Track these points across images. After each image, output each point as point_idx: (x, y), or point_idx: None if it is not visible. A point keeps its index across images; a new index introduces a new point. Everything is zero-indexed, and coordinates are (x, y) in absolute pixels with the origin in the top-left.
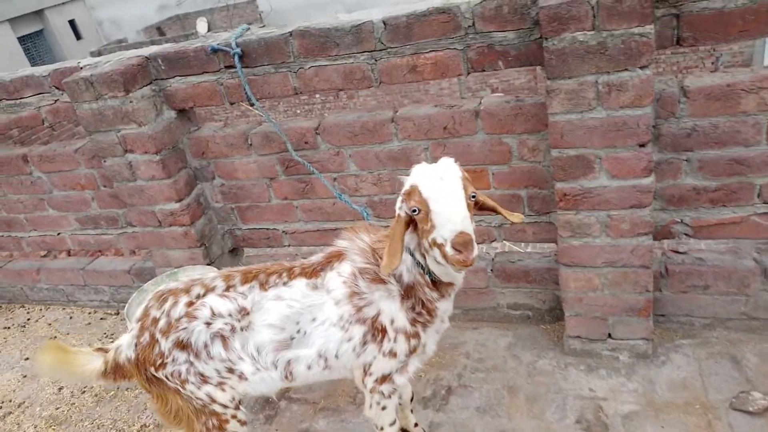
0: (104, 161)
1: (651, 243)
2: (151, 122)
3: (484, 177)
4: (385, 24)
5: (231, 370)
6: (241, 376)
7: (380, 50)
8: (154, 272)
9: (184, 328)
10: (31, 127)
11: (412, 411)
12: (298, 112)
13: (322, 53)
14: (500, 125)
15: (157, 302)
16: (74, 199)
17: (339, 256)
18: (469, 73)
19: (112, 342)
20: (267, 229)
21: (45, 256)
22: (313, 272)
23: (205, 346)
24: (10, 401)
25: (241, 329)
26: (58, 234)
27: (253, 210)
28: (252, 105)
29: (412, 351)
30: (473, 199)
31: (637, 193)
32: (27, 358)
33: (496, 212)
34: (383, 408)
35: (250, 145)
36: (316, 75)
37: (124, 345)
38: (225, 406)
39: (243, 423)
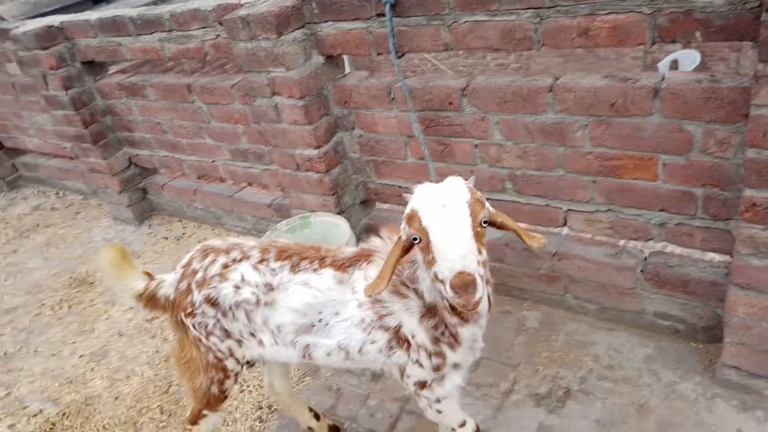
0: (254, 100)
1: None
2: (299, 66)
3: (651, 167)
4: None
5: (252, 334)
6: (261, 343)
7: (548, 7)
8: (290, 211)
9: (215, 287)
10: (195, 59)
11: None
12: (460, 52)
13: (482, 6)
14: (684, 109)
15: (200, 255)
16: (228, 132)
17: (368, 256)
18: (654, 43)
19: None
20: (399, 186)
21: (200, 178)
22: (341, 266)
23: (231, 308)
24: None
25: (265, 304)
26: (213, 161)
27: (388, 165)
28: (400, 56)
29: (436, 368)
30: (485, 226)
31: None
32: None
33: (516, 234)
34: (438, 411)
35: (393, 99)
36: (471, 31)
37: (167, 283)
38: (237, 363)
39: (236, 382)
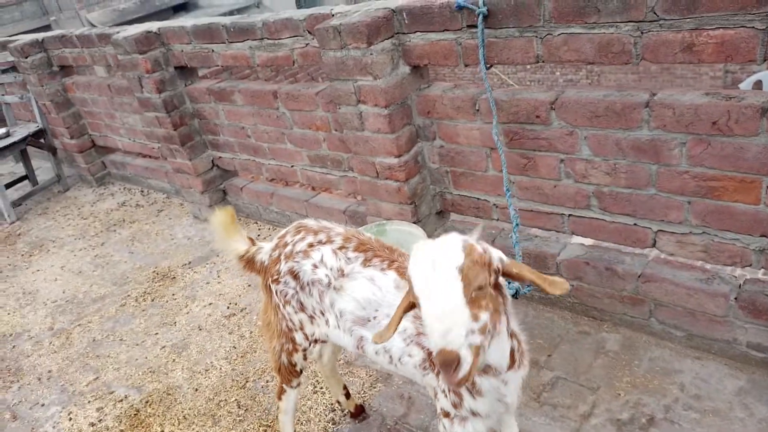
0: (339, 108)
1: None
2: (386, 76)
3: (753, 189)
4: None
5: (322, 313)
6: (327, 323)
7: (650, 21)
8: (365, 218)
9: (298, 262)
10: (282, 66)
11: None
12: (528, 67)
13: (578, 19)
14: None
15: (294, 231)
16: (309, 138)
17: None
18: (765, 60)
19: None
20: (478, 198)
21: (271, 180)
22: (403, 273)
23: (308, 284)
24: (236, 304)
25: (334, 288)
26: (291, 166)
27: (467, 177)
28: (488, 68)
29: (454, 406)
30: (479, 291)
31: None
32: None
33: (534, 283)
34: None
35: (477, 110)
36: (565, 43)
37: (264, 250)
38: (305, 338)
39: (305, 359)
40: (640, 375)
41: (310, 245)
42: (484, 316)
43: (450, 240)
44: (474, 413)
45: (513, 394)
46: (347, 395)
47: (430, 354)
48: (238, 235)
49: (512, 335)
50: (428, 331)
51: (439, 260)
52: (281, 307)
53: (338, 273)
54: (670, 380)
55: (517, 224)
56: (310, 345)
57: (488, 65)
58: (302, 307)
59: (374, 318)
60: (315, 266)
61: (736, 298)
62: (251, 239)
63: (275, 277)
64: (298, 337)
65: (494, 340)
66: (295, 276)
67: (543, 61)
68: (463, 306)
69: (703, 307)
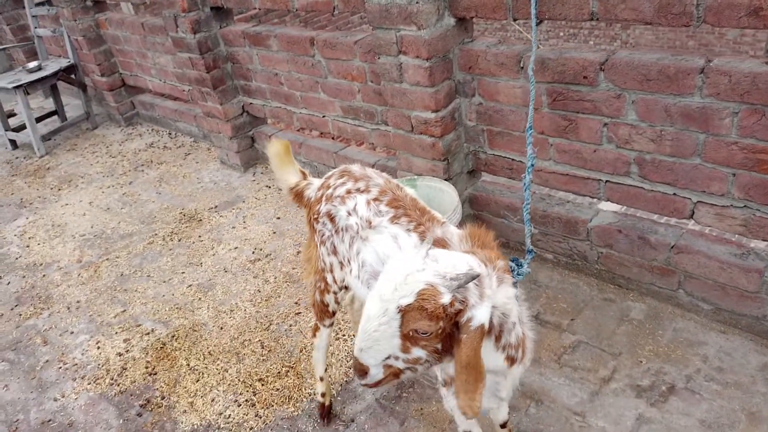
0: (378, 58)
1: None
2: (430, 26)
3: None
4: None
5: (349, 261)
6: (351, 272)
7: None
8: (395, 172)
9: (335, 206)
10: (322, 11)
11: None
12: (561, 34)
13: None
14: None
15: (338, 174)
16: (343, 88)
17: (443, 246)
18: None
19: None
20: (512, 159)
21: (299, 130)
22: (424, 238)
23: (342, 229)
24: (261, 250)
25: (362, 238)
26: (323, 116)
27: (504, 136)
28: (539, 23)
29: (444, 384)
30: (419, 334)
31: None
32: (278, 217)
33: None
34: (452, 409)
35: (521, 68)
36: (623, 1)
37: (313, 186)
38: (335, 281)
39: (337, 302)
40: (663, 344)
41: (348, 192)
42: (419, 352)
43: (423, 274)
44: None
45: (509, 389)
46: None
47: None
48: (292, 167)
49: (504, 347)
50: (358, 331)
51: (394, 287)
52: (318, 246)
53: (366, 223)
54: (693, 351)
55: (532, 164)
56: (340, 290)
57: (538, 21)
58: (335, 251)
59: None
60: (349, 213)
61: None
62: (304, 173)
63: (316, 216)
64: (329, 278)
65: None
66: (332, 219)
67: (597, 19)
68: (393, 337)
69: (734, 281)
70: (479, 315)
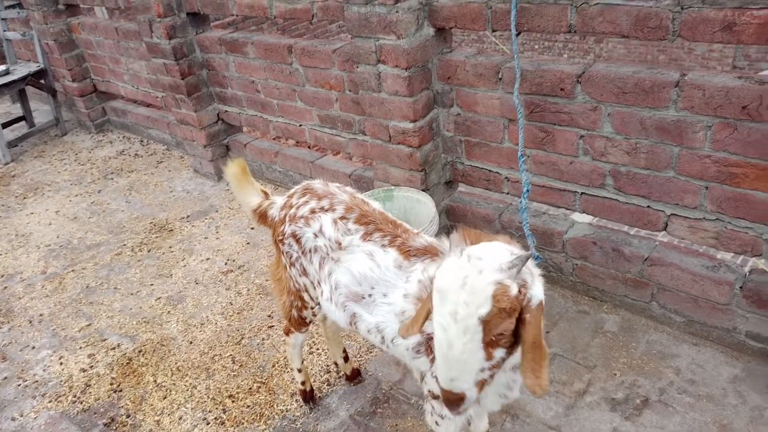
0: (357, 67)
1: None
2: (409, 36)
3: None
4: None
5: (320, 283)
6: (322, 293)
7: None
8: (372, 182)
9: (300, 227)
10: (300, 19)
11: None
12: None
13: None
14: None
15: (300, 192)
16: (321, 97)
17: (434, 255)
18: None
19: None
20: (489, 170)
21: (275, 139)
22: (407, 253)
23: (310, 251)
24: (233, 261)
25: (332, 259)
26: (300, 125)
27: (481, 147)
28: (517, 35)
29: (433, 397)
30: (500, 336)
31: None
32: (252, 228)
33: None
34: (436, 423)
35: (500, 79)
36: (601, 14)
37: (277, 204)
38: (311, 299)
39: (314, 315)
40: (637, 357)
41: (312, 211)
42: (499, 352)
43: (483, 275)
44: (471, 399)
45: (517, 389)
46: (345, 358)
47: (428, 338)
48: (252, 188)
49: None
50: (438, 366)
51: (463, 302)
52: (288, 267)
53: (336, 245)
54: (666, 364)
55: (527, 189)
56: (317, 306)
57: (517, 32)
58: (305, 272)
59: (369, 296)
60: (315, 235)
61: (741, 287)
62: (265, 192)
63: (280, 237)
64: (306, 297)
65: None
66: (298, 240)
67: (575, 31)
68: (478, 350)
69: (706, 294)
70: (536, 292)
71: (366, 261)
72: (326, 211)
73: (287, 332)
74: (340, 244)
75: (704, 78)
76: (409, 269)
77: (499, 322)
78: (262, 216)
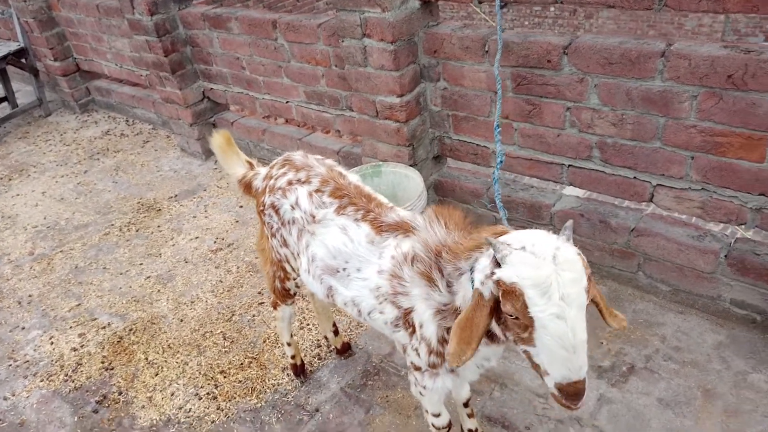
0: (342, 41)
1: None
2: (394, 9)
3: (759, 147)
4: None
5: (299, 254)
6: (301, 266)
7: None
8: (360, 159)
9: (278, 198)
10: None
11: (470, 416)
12: (526, 23)
13: None
14: None
15: (280, 163)
16: (307, 73)
17: (407, 230)
18: None
19: None
20: (477, 144)
21: (265, 117)
22: (379, 228)
23: (289, 222)
24: (223, 239)
25: (308, 231)
26: (287, 102)
27: (469, 121)
28: (503, 6)
29: (431, 366)
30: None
31: None
32: (241, 206)
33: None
34: (420, 393)
35: (486, 52)
36: None
37: (261, 174)
38: (293, 270)
39: (297, 286)
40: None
41: (290, 182)
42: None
43: (569, 255)
44: (452, 371)
45: (495, 360)
46: (336, 332)
47: (406, 313)
48: (237, 158)
49: None
50: (557, 364)
51: (568, 283)
52: (269, 237)
53: (310, 217)
54: (652, 332)
55: (501, 161)
56: (299, 277)
57: (503, 3)
58: (285, 243)
59: (344, 269)
60: (292, 207)
61: (726, 256)
62: (250, 163)
63: (261, 208)
64: (288, 267)
65: None
66: (277, 211)
67: (562, 2)
68: (584, 323)
69: (692, 263)
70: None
71: (339, 235)
72: (303, 183)
73: (275, 306)
74: (314, 217)
75: (690, 48)
76: (381, 244)
77: (591, 288)
78: (247, 186)
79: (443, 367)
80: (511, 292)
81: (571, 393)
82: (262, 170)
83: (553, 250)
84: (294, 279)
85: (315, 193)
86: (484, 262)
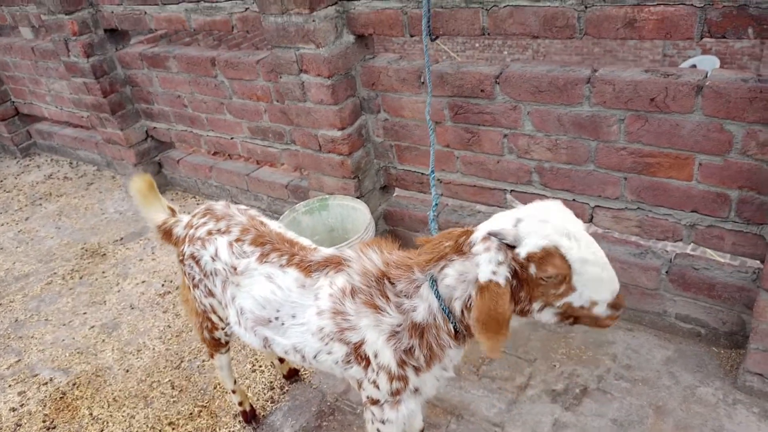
0: (280, 77)
1: None
2: (329, 44)
3: (686, 166)
4: None
5: (227, 306)
6: (229, 318)
7: None
8: (308, 192)
9: (197, 249)
10: (222, 32)
11: None
12: (477, 45)
13: None
14: (726, 108)
15: (201, 213)
16: (249, 108)
17: (338, 264)
18: (702, 38)
19: None
20: (422, 173)
21: (214, 154)
22: (306, 269)
23: (211, 274)
24: (171, 282)
25: (233, 283)
26: (231, 138)
27: (412, 151)
28: (434, 39)
29: (394, 393)
30: None
31: None
32: None
33: None
34: (378, 430)
35: (422, 83)
36: (510, 16)
37: (182, 222)
38: (220, 320)
39: (227, 335)
40: (574, 347)
41: (209, 233)
42: None
43: (564, 210)
44: (415, 390)
45: (452, 369)
46: (281, 360)
47: (356, 347)
48: (158, 203)
49: None
50: (601, 284)
51: (578, 227)
52: (191, 288)
53: (232, 269)
54: (603, 351)
55: (436, 203)
56: (228, 326)
57: (434, 36)
58: (211, 293)
59: (276, 318)
60: (212, 258)
61: (667, 272)
62: (172, 209)
63: (181, 258)
64: (214, 318)
65: None
66: (197, 262)
67: (488, 34)
68: None
69: (636, 280)
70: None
71: (266, 284)
72: (222, 233)
73: (211, 355)
74: (235, 268)
75: (614, 73)
76: (313, 286)
77: None
78: (166, 233)
79: (407, 390)
80: (545, 255)
81: (621, 301)
82: (184, 218)
83: (543, 210)
84: (223, 329)
85: (235, 243)
86: (491, 266)
